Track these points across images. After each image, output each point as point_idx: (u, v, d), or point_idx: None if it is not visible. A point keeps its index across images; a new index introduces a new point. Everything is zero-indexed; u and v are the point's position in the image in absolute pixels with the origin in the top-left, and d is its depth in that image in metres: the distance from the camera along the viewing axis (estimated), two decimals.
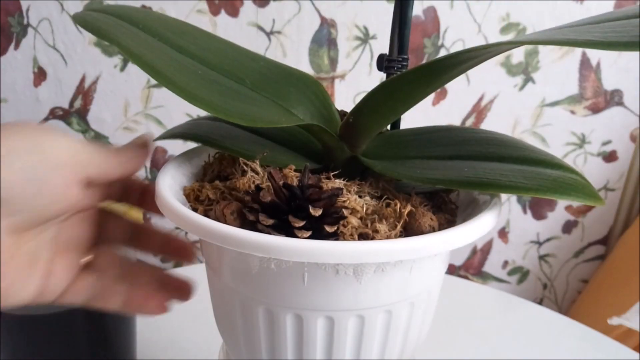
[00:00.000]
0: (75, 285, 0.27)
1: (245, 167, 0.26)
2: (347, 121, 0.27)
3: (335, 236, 0.23)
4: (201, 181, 0.29)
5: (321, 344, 0.25)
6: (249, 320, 0.26)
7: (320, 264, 0.23)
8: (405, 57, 0.30)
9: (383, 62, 0.30)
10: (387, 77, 0.30)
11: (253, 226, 0.22)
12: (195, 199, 0.26)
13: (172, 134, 0.31)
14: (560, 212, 0.87)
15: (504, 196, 0.84)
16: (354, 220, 0.23)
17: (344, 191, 0.25)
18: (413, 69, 0.25)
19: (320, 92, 0.30)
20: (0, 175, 0.22)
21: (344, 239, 0.23)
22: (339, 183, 0.26)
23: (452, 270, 0.91)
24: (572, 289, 0.93)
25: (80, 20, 0.27)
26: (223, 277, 0.26)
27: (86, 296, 0.28)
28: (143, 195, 0.30)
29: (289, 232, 0.22)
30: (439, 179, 0.25)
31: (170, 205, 0.24)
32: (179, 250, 0.32)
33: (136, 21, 0.27)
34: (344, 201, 0.24)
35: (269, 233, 0.22)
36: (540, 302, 0.94)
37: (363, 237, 0.23)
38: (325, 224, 0.22)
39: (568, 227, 0.89)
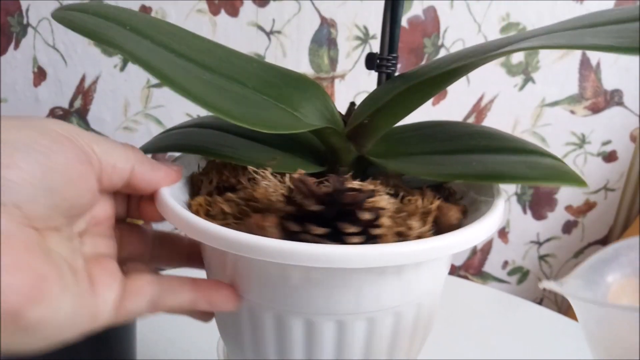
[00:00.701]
0: (128, 292, 0.23)
1: (255, 176, 0.25)
2: (361, 122, 0.27)
3: (377, 238, 0.23)
4: (196, 194, 0.27)
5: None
6: (258, 326, 0.25)
7: (375, 268, 0.22)
8: (395, 55, 0.31)
9: (374, 61, 0.31)
10: (378, 75, 0.30)
11: (294, 237, 0.21)
12: (205, 214, 0.25)
13: (160, 147, 0.29)
14: (560, 212, 0.87)
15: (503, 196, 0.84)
16: (388, 221, 0.23)
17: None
18: (430, 77, 0.25)
19: (320, 93, 0.30)
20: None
21: (385, 241, 0.23)
22: (366, 185, 0.25)
23: (452, 270, 0.91)
24: None
25: (65, 21, 0.24)
26: (242, 290, 0.25)
27: (147, 300, 0.24)
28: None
29: (337, 239, 0.21)
30: (456, 174, 0.25)
31: (199, 225, 0.22)
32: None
33: (123, 22, 0.26)
34: (375, 201, 0.24)
35: (318, 242, 0.21)
36: (540, 302, 0.94)
37: (400, 236, 0.23)
38: (371, 227, 0.22)
39: (568, 227, 0.88)
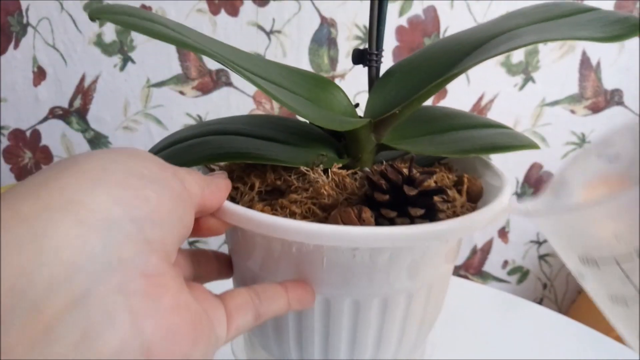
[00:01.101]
0: (233, 309, 0.22)
1: (308, 174, 0.27)
2: (393, 113, 0.28)
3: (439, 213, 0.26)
4: (247, 200, 0.27)
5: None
6: (332, 314, 0.26)
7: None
8: (382, 50, 0.32)
9: (362, 56, 0.32)
10: (369, 70, 0.31)
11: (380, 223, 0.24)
12: None
13: (200, 159, 0.27)
14: None
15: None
16: (454, 194, 0.27)
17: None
18: (445, 78, 0.27)
19: (337, 91, 0.32)
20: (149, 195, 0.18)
21: (445, 215, 0.26)
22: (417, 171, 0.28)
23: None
24: (571, 289, 0.93)
25: (124, 23, 0.23)
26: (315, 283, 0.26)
27: (253, 312, 0.23)
28: None
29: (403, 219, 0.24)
30: (468, 149, 0.29)
31: (295, 226, 0.23)
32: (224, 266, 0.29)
33: (171, 27, 0.25)
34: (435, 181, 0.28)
35: (395, 224, 0.24)
36: (540, 302, 0.94)
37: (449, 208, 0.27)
38: (436, 203, 0.25)
39: None
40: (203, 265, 0.28)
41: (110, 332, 0.15)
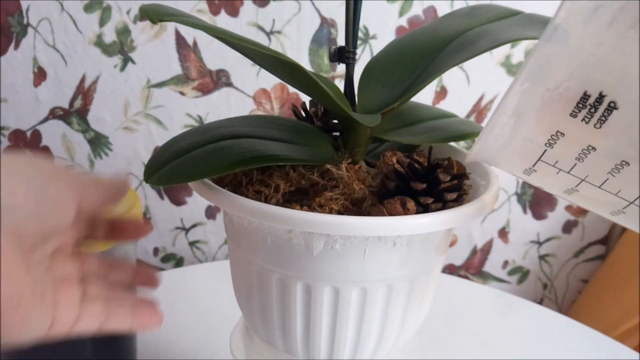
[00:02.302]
0: (83, 316, 0.27)
1: (332, 171, 0.28)
2: (392, 108, 0.30)
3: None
4: (274, 202, 0.28)
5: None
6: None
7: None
8: (357, 48, 0.34)
9: (341, 54, 0.33)
10: (347, 67, 0.32)
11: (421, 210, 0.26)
12: None
13: (224, 166, 0.27)
14: (560, 211, 0.87)
15: (503, 196, 0.84)
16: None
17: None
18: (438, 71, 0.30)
19: (330, 85, 0.32)
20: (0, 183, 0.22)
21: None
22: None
23: (452, 270, 0.91)
24: (572, 289, 0.93)
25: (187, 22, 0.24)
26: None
27: (97, 324, 0.27)
28: (113, 228, 0.31)
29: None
30: (448, 137, 0.32)
31: (329, 219, 0.24)
32: (148, 278, 0.32)
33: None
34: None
35: (428, 210, 0.26)
36: (540, 302, 0.94)
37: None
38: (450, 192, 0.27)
39: (568, 227, 0.89)
40: (115, 272, 0.31)
41: None
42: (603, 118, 0.18)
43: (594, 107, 0.18)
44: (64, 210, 0.25)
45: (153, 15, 0.23)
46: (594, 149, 0.19)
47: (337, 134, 0.34)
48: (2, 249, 0.22)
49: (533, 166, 0.22)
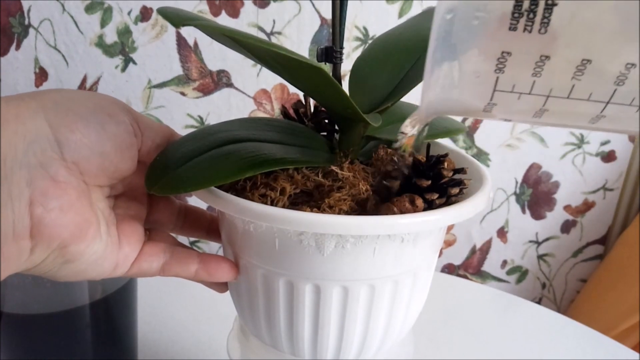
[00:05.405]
0: (145, 253, 0.28)
1: (338, 173, 0.28)
2: (387, 107, 0.31)
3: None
4: (281, 206, 0.28)
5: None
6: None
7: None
8: (343, 48, 0.34)
9: (328, 54, 0.33)
10: (333, 66, 0.33)
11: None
12: None
13: (233, 172, 0.26)
14: (559, 211, 0.87)
15: (502, 196, 0.85)
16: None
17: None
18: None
19: (328, 79, 0.32)
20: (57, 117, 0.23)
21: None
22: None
23: (451, 269, 0.91)
24: (570, 289, 0.94)
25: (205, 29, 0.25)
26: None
27: (159, 264, 0.28)
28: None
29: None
30: (435, 134, 0.33)
31: (347, 220, 0.24)
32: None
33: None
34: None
35: (432, 206, 0.26)
36: (539, 302, 0.94)
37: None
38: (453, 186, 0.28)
39: (567, 227, 0.89)
40: (186, 221, 0.32)
41: (7, 208, 0.21)
42: (545, 20, 0.16)
43: (531, 11, 0.16)
44: (126, 147, 0.26)
45: (175, 20, 0.23)
46: (547, 57, 0.17)
47: (326, 133, 0.34)
48: (66, 182, 0.23)
49: (491, 100, 0.20)
